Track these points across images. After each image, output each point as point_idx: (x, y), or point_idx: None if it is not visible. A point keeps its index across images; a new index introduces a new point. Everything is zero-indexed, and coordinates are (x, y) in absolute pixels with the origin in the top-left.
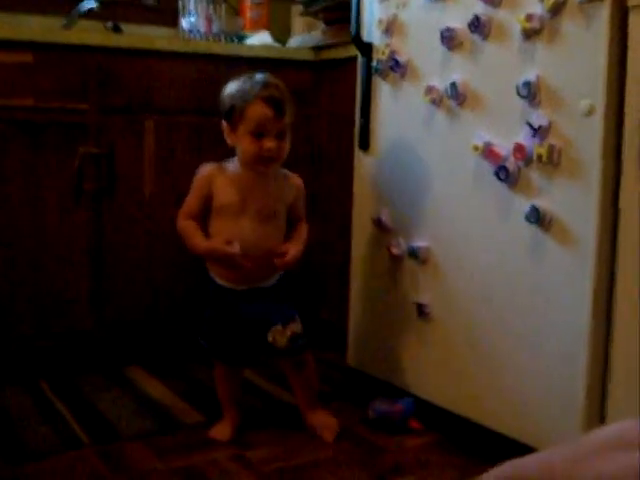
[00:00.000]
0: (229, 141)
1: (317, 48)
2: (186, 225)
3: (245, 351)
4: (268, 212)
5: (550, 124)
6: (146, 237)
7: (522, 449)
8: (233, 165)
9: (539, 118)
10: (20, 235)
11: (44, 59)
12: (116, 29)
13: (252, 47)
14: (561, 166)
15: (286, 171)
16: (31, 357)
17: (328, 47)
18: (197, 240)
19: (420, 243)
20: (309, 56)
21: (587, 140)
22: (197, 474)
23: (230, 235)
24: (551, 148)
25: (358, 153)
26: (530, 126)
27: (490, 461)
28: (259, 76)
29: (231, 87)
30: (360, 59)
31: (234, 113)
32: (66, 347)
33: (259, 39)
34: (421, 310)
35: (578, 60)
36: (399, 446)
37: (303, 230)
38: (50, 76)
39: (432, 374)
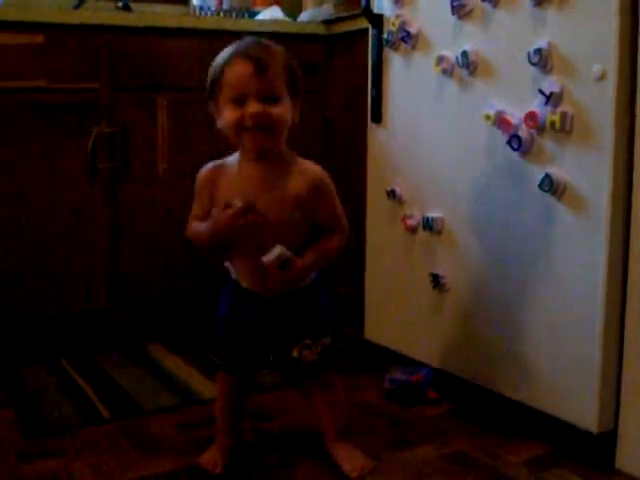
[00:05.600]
0: (218, 124)
1: (328, 22)
2: (191, 227)
3: (261, 363)
4: (280, 217)
5: (562, 91)
6: (161, 214)
7: (538, 416)
8: (234, 159)
9: (551, 85)
10: (37, 216)
11: (55, 40)
12: (126, 8)
13: (263, 22)
14: (574, 133)
15: (304, 162)
16: (52, 336)
17: (339, 20)
18: (201, 231)
19: (434, 214)
20: (320, 30)
21: (600, 106)
22: None
23: (242, 249)
24: (564, 115)
25: (371, 125)
26: (542, 93)
27: (506, 429)
28: (248, 38)
29: (215, 59)
30: (371, 31)
31: (215, 85)
32: (86, 325)
33: (270, 14)
34: (436, 281)
35: (589, 25)
36: (416, 416)
37: (329, 242)
38: (62, 57)
39: (448, 344)
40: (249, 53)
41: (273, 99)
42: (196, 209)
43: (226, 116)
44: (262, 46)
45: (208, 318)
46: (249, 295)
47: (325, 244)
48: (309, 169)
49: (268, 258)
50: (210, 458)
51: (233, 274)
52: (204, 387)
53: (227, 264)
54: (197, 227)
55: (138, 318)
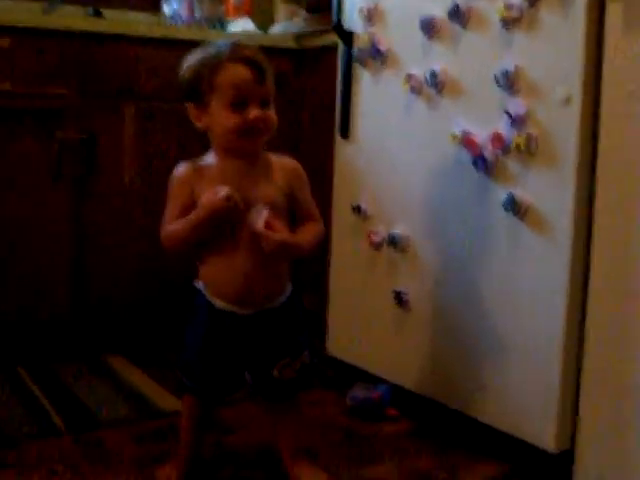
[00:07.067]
0: (199, 124)
1: (299, 36)
2: (169, 227)
3: (238, 385)
4: (266, 204)
5: (528, 113)
6: (127, 223)
7: (498, 435)
8: (211, 158)
9: (517, 107)
10: None
11: (22, 44)
12: (97, 14)
13: (233, 34)
14: (538, 155)
15: (279, 156)
16: (9, 343)
17: (310, 35)
18: (185, 224)
19: (399, 231)
20: (291, 44)
21: (564, 129)
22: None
23: (226, 248)
24: (529, 137)
25: (338, 141)
26: (508, 115)
27: (466, 447)
28: (225, 41)
29: (191, 59)
30: (341, 47)
31: (201, 85)
32: (45, 333)
33: (241, 26)
34: (399, 298)
35: (556, 49)
36: (376, 433)
37: (312, 228)
38: (28, 61)
39: (409, 361)
40: (248, 57)
41: (267, 103)
42: (173, 210)
43: (225, 120)
44: (256, 50)
45: (174, 333)
46: (225, 316)
47: (308, 227)
48: (286, 162)
49: (257, 221)
50: (166, 473)
51: (206, 293)
52: (164, 400)
53: (198, 283)
54: (178, 224)
55: (101, 329)
